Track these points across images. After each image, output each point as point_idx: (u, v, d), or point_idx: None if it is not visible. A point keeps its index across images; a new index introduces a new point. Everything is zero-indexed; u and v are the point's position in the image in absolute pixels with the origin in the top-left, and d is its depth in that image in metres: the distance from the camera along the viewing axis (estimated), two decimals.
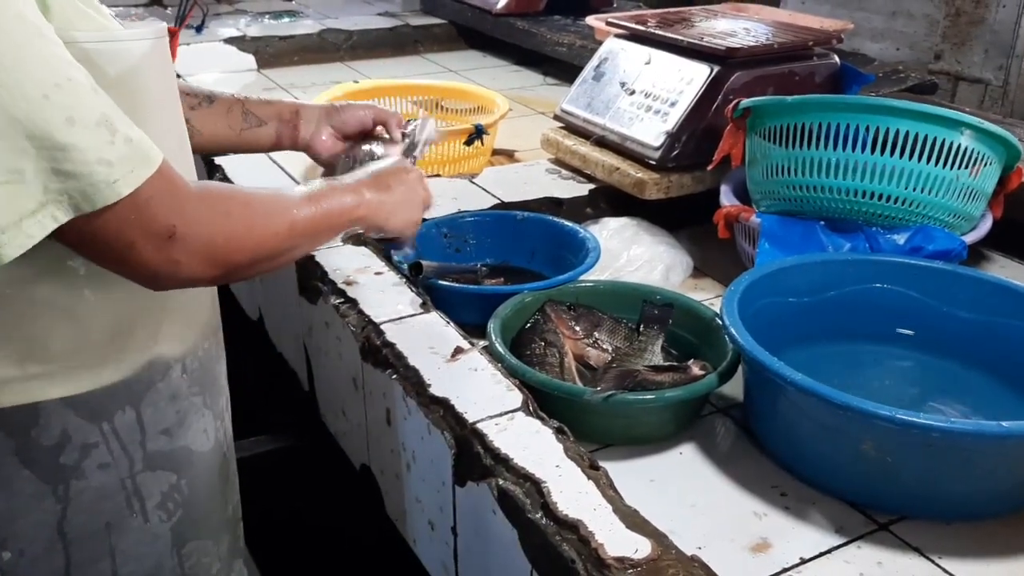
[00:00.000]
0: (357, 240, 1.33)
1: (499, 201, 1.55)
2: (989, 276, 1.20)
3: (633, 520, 0.83)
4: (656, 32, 1.63)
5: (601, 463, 1.02)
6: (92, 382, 0.89)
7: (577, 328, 1.21)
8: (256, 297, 1.57)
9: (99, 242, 0.78)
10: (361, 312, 1.17)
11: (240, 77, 2.45)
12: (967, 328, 1.16)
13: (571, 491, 0.86)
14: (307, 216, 0.94)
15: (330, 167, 1.29)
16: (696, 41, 1.55)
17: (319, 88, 2.21)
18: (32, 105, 0.70)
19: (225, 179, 1.57)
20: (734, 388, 1.12)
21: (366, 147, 1.28)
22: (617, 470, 1.02)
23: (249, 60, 2.52)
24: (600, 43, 1.82)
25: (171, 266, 0.81)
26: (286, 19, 2.98)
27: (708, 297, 1.41)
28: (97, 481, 0.91)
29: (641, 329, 1.22)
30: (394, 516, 1.17)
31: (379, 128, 1.32)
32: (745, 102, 1.36)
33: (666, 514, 0.95)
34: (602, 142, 1.63)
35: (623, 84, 1.64)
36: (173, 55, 1.14)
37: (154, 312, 0.92)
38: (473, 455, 0.93)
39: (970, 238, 1.29)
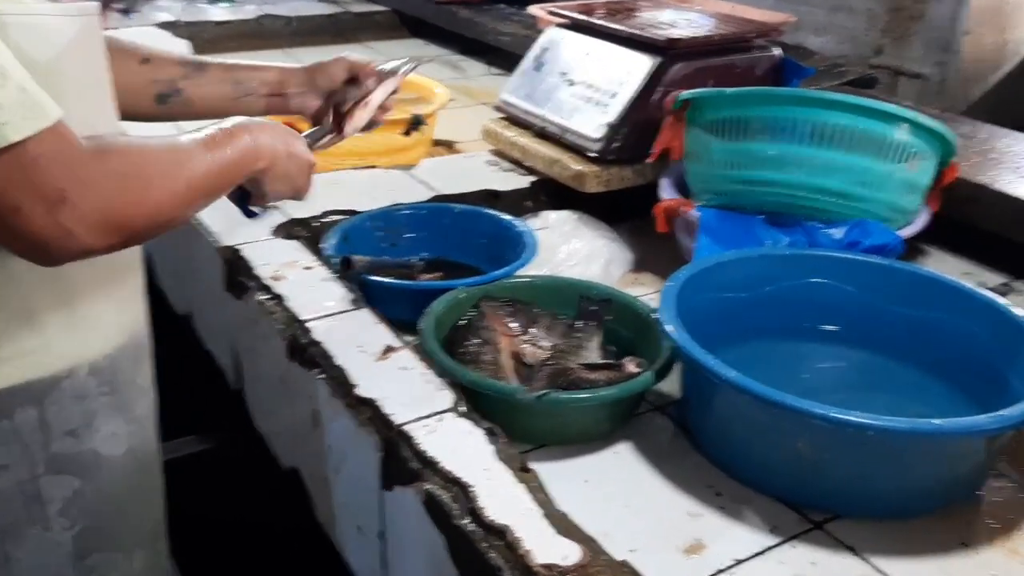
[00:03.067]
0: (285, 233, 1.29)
1: (436, 193, 1.51)
2: (924, 271, 1.20)
3: (563, 525, 0.81)
4: (596, 22, 1.61)
5: (535, 464, 0.99)
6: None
7: (513, 325, 1.18)
8: (184, 291, 1.52)
9: None
10: (287, 309, 1.13)
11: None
12: (903, 323, 1.16)
13: (500, 495, 0.84)
14: (205, 171, 0.87)
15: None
16: (636, 31, 1.53)
17: None
18: None
19: None
20: (671, 385, 1.11)
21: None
22: (551, 470, 1.00)
23: (184, 46, 2.43)
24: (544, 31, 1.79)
25: (62, 235, 0.74)
26: (224, 4, 2.89)
27: (648, 292, 1.39)
28: None
29: (578, 325, 1.19)
30: (323, 520, 1.13)
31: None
32: (684, 94, 1.34)
33: (600, 515, 0.93)
34: (542, 133, 1.60)
35: (564, 74, 1.61)
36: None
37: (59, 307, 0.87)
38: (400, 458, 0.90)
39: (906, 232, 1.29)
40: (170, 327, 1.55)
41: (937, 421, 0.86)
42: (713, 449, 1.02)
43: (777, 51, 1.60)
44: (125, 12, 2.37)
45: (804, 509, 0.95)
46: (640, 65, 1.50)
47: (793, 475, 0.95)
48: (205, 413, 1.55)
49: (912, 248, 1.52)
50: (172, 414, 1.50)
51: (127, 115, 1.18)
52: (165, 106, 1.14)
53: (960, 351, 1.10)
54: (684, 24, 1.60)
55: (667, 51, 1.49)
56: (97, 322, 0.92)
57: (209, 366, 1.46)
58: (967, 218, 1.50)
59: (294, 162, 1.00)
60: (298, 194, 1.05)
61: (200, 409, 1.56)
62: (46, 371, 0.87)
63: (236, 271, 1.24)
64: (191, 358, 1.51)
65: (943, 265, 1.52)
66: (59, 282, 0.83)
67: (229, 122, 0.93)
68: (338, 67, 1.22)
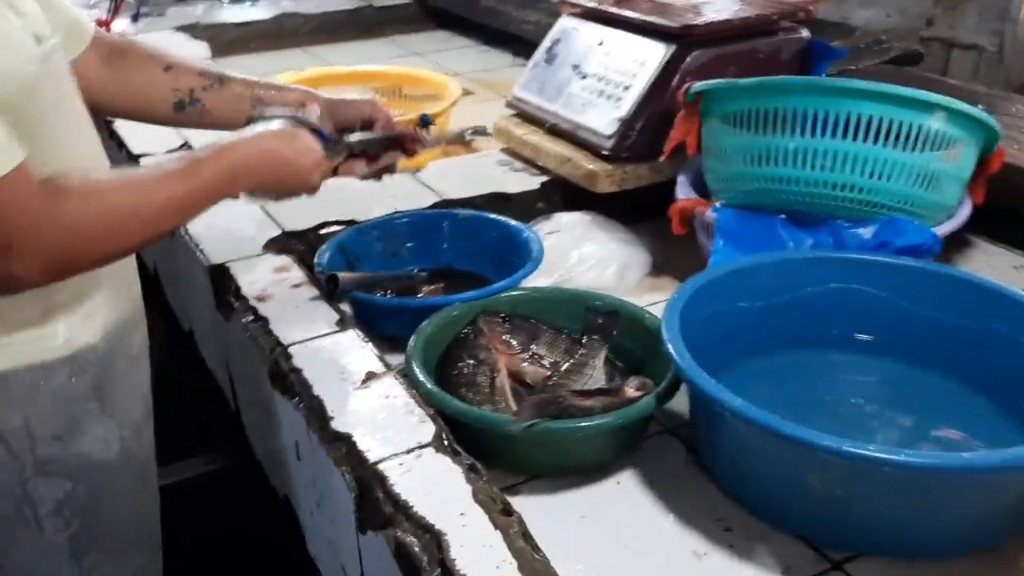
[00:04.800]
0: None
1: (442, 198, 1.44)
2: (963, 274, 1.09)
3: None
4: (609, 9, 1.51)
5: (527, 498, 0.93)
6: None
7: (513, 342, 1.11)
8: (185, 308, 1.48)
9: None
10: (270, 332, 1.07)
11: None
12: (941, 332, 1.05)
13: (474, 544, 0.76)
14: (168, 208, 0.89)
15: None
16: (649, 19, 1.43)
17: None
18: None
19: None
20: (684, 404, 1.02)
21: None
22: (544, 505, 0.93)
23: (203, 49, 2.39)
24: None
25: (4, 278, 0.79)
26: (248, 4, 2.85)
27: (665, 297, 1.26)
28: None
29: (584, 340, 1.11)
30: (313, 553, 1.08)
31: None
32: (697, 86, 1.24)
33: (595, 557, 0.86)
34: (555, 130, 1.52)
35: (576, 67, 1.52)
36: None
37: (37, 306, 0.88)
38: (374, 500, 0.83)
39: (945, 229, 1.17)
40: (184, 343, 1.52)
41: (967, 455, 0.77)
42: (723, 479, 0.93)
43: (804, 33, 1.49)
44: (134, 18, 2.34)
45: (822, 547, 0.86)
46: (653, 54, 1.40)
47: (808, 510, 0.86)
48: (214, 433, 1.51)
49: (957, 240, 1.40)
50: (183, 433, 1.47)
51: (145, 119, 1.23)
52: (182, 114, 1.16)
53: (1007, 364, 0.99)
54: (703, 8, 1.50)
55: (682, 38, 1.39)
56: (76, 326, 0.92)
57: (211, 383, 1.42)
58: (1018, 207, 1.37)
59: (289, 170, 1.02)
60: (292, 195, 1.08)
61: (210, 429, 1.53)
62: (24, 370, 0.88)
63: (224, 291, 1.18)
64: (201, 375, 1.47)
65: (992, 258, 1.39)
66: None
67: (210, 149, 0.95)
68: (363, 109, 1.23)
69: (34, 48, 0.84)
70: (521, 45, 2.47)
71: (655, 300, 1.29)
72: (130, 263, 1.04)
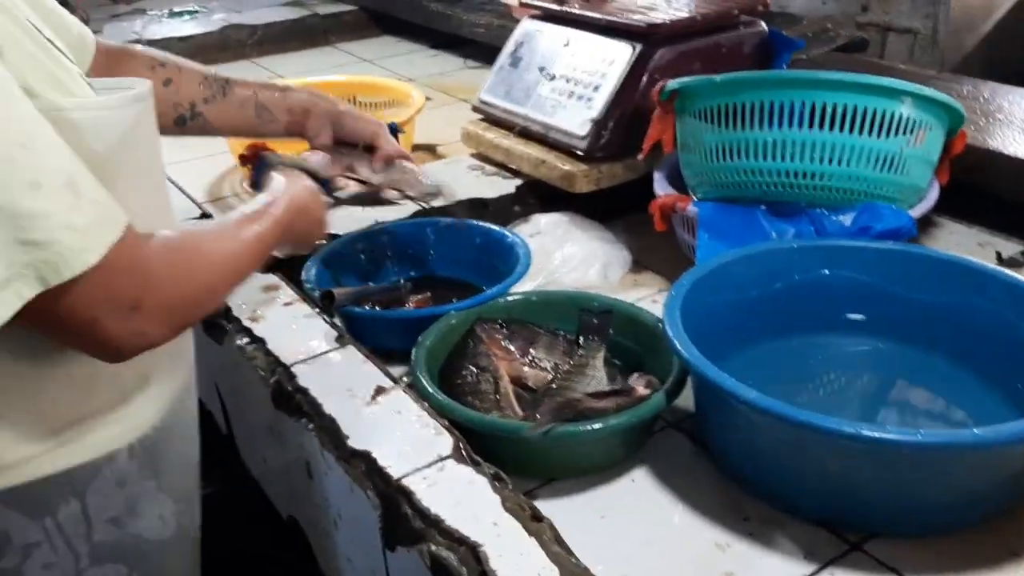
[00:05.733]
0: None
1: (419, 208, 1.44)
2: (941, 254, 1.13)
3: None
4: (572, 11, 1.52)
5: (546, 502, 0.93)
6: (32, 472, 0.80)
7: (511, 347, 1.11)
8: None
9: (63, 318, 0.70)
10: (269, 352, 1.05)
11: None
12: (927, 311, 1.09)
13: (511, 553, 0.77)
14: (249, 251, 0.88)
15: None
16: (615, 18, 1.45)
17: None
18: None
19: None
20: (685, 398, 1.03)
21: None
22: (564, 508, 0.93)
23: None
24: (519, 21, 1.71)
25: (136, 337, 0.75)
26: (187, 17, 2.80)
27: (649, 293, 1.32)
28: None
29: (580, 341, 1.12)
30: (328, 573, 1.06)
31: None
32: (672, 84, 1.26)
33: (620, 554, 0.87)
34: (525, 133, 1.53)
35: (542, 69, 1.53)
36: None
37: (95, 393, 0.83)
38: (401, 516, 0.83)
39: (918, 211, 1.22)
40: None
41: (979, 431, 0.79)
42: (736, 470, 0.95)
43: (763, 26, 1.52)
44: None
45: (839, 529, 0.89)
46: (621, 54, 1.42)
47: (825, 495, 0.88)
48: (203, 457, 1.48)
49: (923, 221, 1.45)
50: None
51: None
52: (184, 127, 1.15)
53: (990, 337, 1.03)
54: (664, 7, 1.52)
55: (648, 37, 1.41)
56: (136, 405, 0.87)
57: (200, 408, 1.39)
58: (977, 185, 1.42)
59: (306, 219, 1.02)
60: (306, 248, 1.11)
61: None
62: (86, 457, 0.83)
63: (213, 313, 1.16)
64: None
65: (956, 237, 1.44)
66: (90, 374, 0.80)
67: (261, 201, 0.95)
68: (367, 129, 1.25)
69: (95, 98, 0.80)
70: (472, 48, 2.47)
71: (640, 296, 1.31)
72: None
